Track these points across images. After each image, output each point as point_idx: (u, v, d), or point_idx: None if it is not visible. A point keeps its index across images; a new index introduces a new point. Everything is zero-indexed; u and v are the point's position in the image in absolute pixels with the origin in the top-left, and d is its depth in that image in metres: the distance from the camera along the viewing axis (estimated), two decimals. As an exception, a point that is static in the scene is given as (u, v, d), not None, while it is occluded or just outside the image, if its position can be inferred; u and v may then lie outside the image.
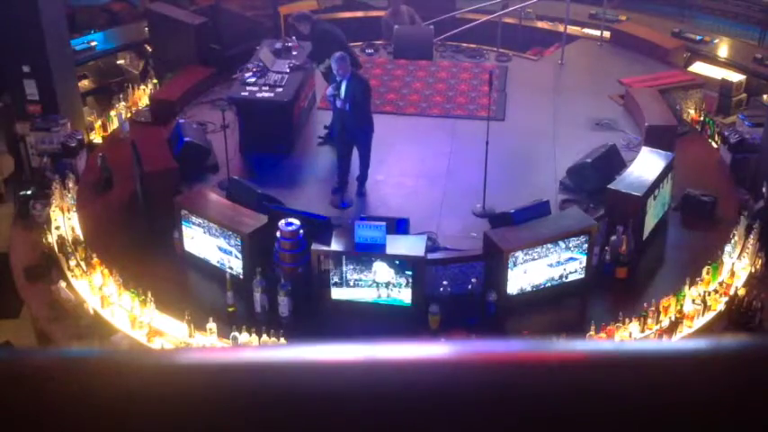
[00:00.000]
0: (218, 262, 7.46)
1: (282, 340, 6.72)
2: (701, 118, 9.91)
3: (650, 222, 7.84)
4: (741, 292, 7.24)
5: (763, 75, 11.29)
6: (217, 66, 10.50)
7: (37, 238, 8.14)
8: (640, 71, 10.88)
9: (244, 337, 6.72)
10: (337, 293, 7.03)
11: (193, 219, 7.49)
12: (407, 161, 9.10)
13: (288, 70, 9.36)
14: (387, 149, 9.03)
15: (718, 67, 11.58)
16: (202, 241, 7.50)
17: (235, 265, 7.33)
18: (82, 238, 7.96)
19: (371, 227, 6.93)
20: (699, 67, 11.66)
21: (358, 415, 0.84)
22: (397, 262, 6.88)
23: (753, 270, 7.57)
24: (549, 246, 7.12)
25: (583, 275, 7.30)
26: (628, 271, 7.45)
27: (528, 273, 7.14)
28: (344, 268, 6.96)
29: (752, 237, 7.69)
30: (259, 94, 9.01)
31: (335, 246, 6.99)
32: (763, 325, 7.12)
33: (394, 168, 8.90)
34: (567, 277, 7.28)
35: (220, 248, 7.39)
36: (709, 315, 7.19)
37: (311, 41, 9.48)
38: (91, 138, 9.65)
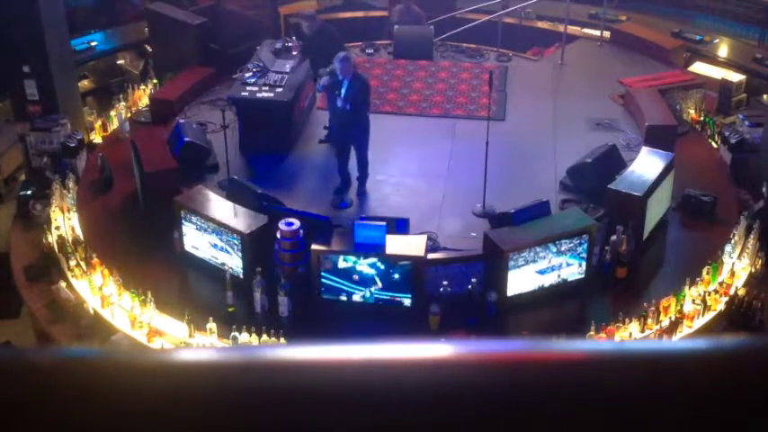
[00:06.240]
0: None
1: (282, 340, 6.72)
2: (701, 118, 9.91)
3: (650, 222, 7.84)
4: (741, 292, 7.24)
5: (763, 75, 11.29)
6: (217, 66, 10.50)
7: (37, 238, 8.14)
8: (640, 71, 10.88)
9: (244, 337, 6.72)
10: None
11: (193, 218, 7.49)
12: (407, 161, 9.09)
13: (288, 70, 9.36)
14: (387, 149, 9.03)
15: (718, 67, 11.57)
16: (202, 241, 7.50)
17: (234, 264, 7.33)
18: (82, 238, 7.96)
19: (371, 227, 6.94)
20: (699, 67, 11.66)
21: (358, 415, 0.84)
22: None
23: (753, 270, 7.56)
24: (549, 246, 7.12)
25: (583, 275, 7.30)
26: (628, 271, 7.45)
27: (528, 273, 7.14)
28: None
29: (752, 237, 7.68)
30: (259, 94, 9.01)
31: (335, 246, 6.99)
32: (763, 325, 7.12)
33: (394, 168, 8.89)
34: (566, 277, 7.28)
35: (219, 248, 7.39)
36: (710, 315, 7.19)
37: (309, 41, 9.48)
38: (91, 138, 9.65)
